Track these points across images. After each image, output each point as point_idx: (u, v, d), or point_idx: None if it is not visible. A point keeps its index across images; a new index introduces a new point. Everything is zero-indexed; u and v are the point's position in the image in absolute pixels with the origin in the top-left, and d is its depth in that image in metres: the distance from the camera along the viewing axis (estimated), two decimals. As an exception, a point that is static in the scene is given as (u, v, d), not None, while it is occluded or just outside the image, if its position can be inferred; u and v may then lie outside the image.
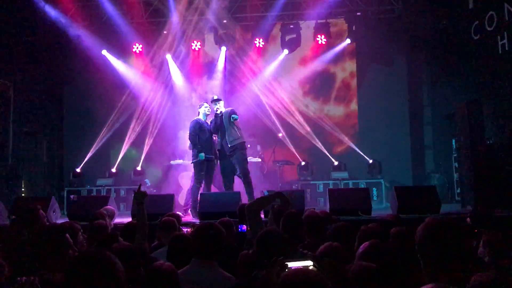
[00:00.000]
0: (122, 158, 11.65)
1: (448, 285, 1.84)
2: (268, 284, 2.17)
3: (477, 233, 4.07)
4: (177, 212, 6.20)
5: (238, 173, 8.04)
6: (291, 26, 11.76)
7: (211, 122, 8.22)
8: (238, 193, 7.57)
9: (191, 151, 8.31)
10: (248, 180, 7.94)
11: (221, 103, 8.18)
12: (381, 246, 2.49)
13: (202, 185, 8.10)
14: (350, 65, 12.33)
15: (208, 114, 8.31)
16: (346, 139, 11.62)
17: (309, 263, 2.21)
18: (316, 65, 11.96)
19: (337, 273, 2.20)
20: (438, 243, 1.94)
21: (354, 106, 12.27)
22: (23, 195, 10.61)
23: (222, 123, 8.04)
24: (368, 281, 2.18)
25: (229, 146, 7.97)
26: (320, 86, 12.32)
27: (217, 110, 8.07)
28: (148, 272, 2.59)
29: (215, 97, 8.30)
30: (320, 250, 2.82)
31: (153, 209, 7.04)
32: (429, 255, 1.96)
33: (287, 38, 11.79)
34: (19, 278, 2.23)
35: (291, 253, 2.83)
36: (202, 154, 7.99)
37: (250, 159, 10.12)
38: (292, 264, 2.21)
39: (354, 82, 12.32)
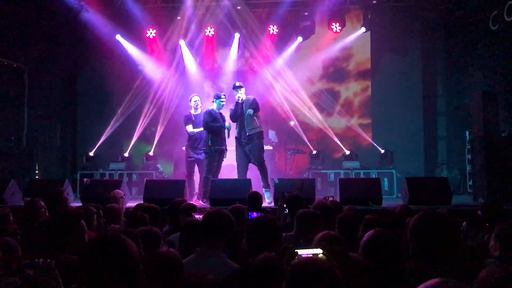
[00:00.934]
0: (134, 143, 11.72)
1: (435, 274, 1.92)
2: (277, 271, 2.19)
3: (488, 227, 4.06)
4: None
5: (253, 161, 8.08)
6: (306, 14, 11.64)
7: (230, 109, 8.18)
8: (249, 181, 7.61)
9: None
10: (263, 168, 8.05)
11: (242, 90, 8.11)
12: (385, 234, 2.48)
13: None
14: (365, 54, 12.19)
15: (221, 108, 8.27)
16: (359, 129, 11.56)
17: (318, 251, 2.22)
18: (330, 53, 11.86)
19: (346, 262, 2.22)
20: (427, 234, 2.08)
21: (367, 95, 12.16)
22: (37, 177, 10.77)
23: (242, 112, 8.01)
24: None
25: (247, 134, 7.99)
26: (334, 75, 12.23)
27: (238, 99, 8.03)
28: (153, 258, 2.62)
29: (237, 84, 8.21)
30: (318, 238, 2.82)
31: (165, 194, 7.13)
32: (419, 245, 2.10)
33: (301, 25, 11.69)
34: (36, 260, 2.28)
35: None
36: (229, 125, 8.15)
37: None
38: (302, 252, 2.23)
39: (368, 72, 12.20)
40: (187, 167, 8.61)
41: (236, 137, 8.19)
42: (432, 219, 2.18)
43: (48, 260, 2.29)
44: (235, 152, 8.30)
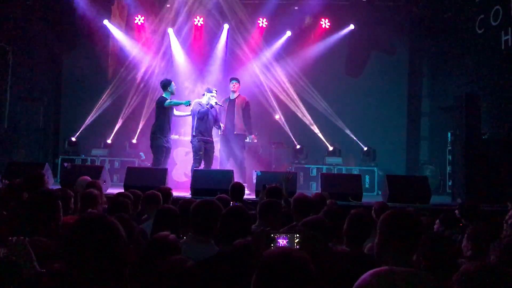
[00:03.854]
0: (118, 130, 11.63)
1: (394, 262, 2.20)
2: (253, 253, 2.20)
3: (462, 227, 4.13)
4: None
5: (235, 158, 8.54)
6: (296, 8, 11.65)
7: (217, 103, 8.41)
8: (231, 171, 7.65)
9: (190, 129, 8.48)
10: (243, 166, 8.69)
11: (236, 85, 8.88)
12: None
13: (202, 165, 8.25)
14: (353, 51, 12.21)
15: (209, 103, 8.29)
16: (342, 124, 11.61)
17: (295, 236, 2.24)
18: (318, 48, 11.87)
19: (322, 248, 2.26)
20: (393, 229, 2.30)
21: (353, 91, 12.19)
22: (16, 160, 10.62)
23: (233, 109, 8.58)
24: None
25: (234, 133, 8.66)
26: (321, 70, 12.24)
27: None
28: (152, 243, 2.63)
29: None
30: (306, 220, 2.85)
31: (146, 182, 7.09)
32: (385, 238, 2.32)
33: (290, 19, 11.68)
34: (10, 238, 2.26)
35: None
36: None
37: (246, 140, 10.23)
38: (279, 236, 2.24)
39: (355, 69, 12.22)
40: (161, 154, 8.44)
41: (223, 133, 8.65)
42: (399, 216, 2.35)
43: (22, 237, 2.27)
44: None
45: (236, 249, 2.49)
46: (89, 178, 5.57)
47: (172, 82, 8.55)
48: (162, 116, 8.34)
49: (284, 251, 1.75)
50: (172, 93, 8.43)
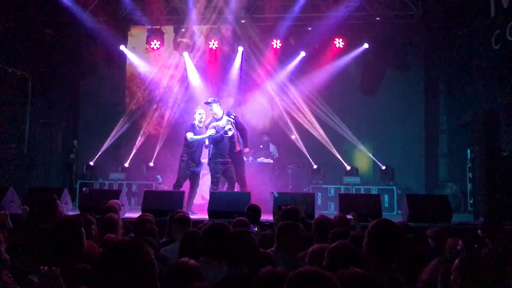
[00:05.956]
0: (135, 154, 11.72)
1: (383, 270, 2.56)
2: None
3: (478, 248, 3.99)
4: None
5: (237, 179, 8.43)
6: (309, 29, 11.70)
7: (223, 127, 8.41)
8: (248, 194, 7.60)
9: (207, 150, 8.56)
10: (245, 187, 8.51)
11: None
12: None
13: (220, 187, 8.32)
14: (368, 70, 12.18)
15: (223, 128, 8.40)
16: (359, 143, 11.52)
17: None
18: (333, 68, 11.87)
19: None
20: (379, 238, 2.68)
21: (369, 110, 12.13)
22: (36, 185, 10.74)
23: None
24: None
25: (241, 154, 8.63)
26: (336, 90, 12.22)
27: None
28: (174, 269, 2.61)
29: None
30: (333, 247, 2.73)
31: (163, 205, 7.10)
32: (372, 246, 2.68)
33: (304, 40, 11.74)
34: (41, 267, 2.26)
35: None
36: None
37: (261, 159, 10.21)
38: None
39: (370, 88, 12.18)
40: (185, 178, 8.63)
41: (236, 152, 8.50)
42: (382, 226, 2.75)
43: (53, 268, 2.27)
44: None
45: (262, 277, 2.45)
46: (119, 201, 5.65)
47: (197, 111, 8.73)
48: (186, 141, 8.55)
49: (310, 271, 1.76)
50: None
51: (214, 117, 8.56)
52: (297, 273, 1.76)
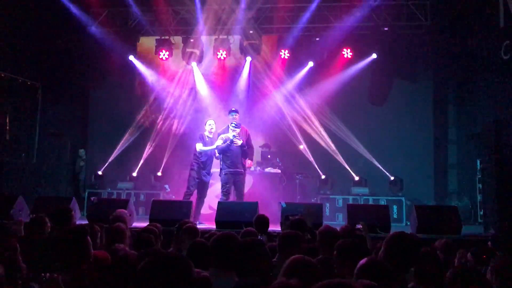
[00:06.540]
0: (143, 163, 11.75)
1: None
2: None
3: (485, 259, 3.90)
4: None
5: (237, 192, 8.41)
6: (317, 39, 11.72)
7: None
8: (256, 204, 7.56)
9: (217, 160, 8.61)
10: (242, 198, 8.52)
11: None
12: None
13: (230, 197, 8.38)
14: (376, 80, 12.14)
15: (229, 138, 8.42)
16: (368, 154, 11.46)
17: None
18: (340, 78, 11.84)
19: None
20: (396, 248, 2.86)
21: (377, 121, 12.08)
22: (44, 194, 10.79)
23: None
24: None
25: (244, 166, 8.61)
26: (344, 100, 12.19)
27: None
28: None
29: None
30: (362, 264, 2.65)
31: (171, 215, 7.09)
32: (389, 255, 2.83)
33: (312, 50, 11.75)
34: (43, 274, 2.25)
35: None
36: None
37: (269, 170, 10.19)
38: None
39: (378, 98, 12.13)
40: (194, 186, 8.67)
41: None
42: (403, 237, 2.89)
43: (55, 275, 2.26)
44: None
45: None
46: (125, 211, 5.63)
47: (208, 122, 8.83)
48: (195, 151, 8.64)
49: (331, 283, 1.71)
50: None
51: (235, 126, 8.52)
52: (321, 285, 1.69)
